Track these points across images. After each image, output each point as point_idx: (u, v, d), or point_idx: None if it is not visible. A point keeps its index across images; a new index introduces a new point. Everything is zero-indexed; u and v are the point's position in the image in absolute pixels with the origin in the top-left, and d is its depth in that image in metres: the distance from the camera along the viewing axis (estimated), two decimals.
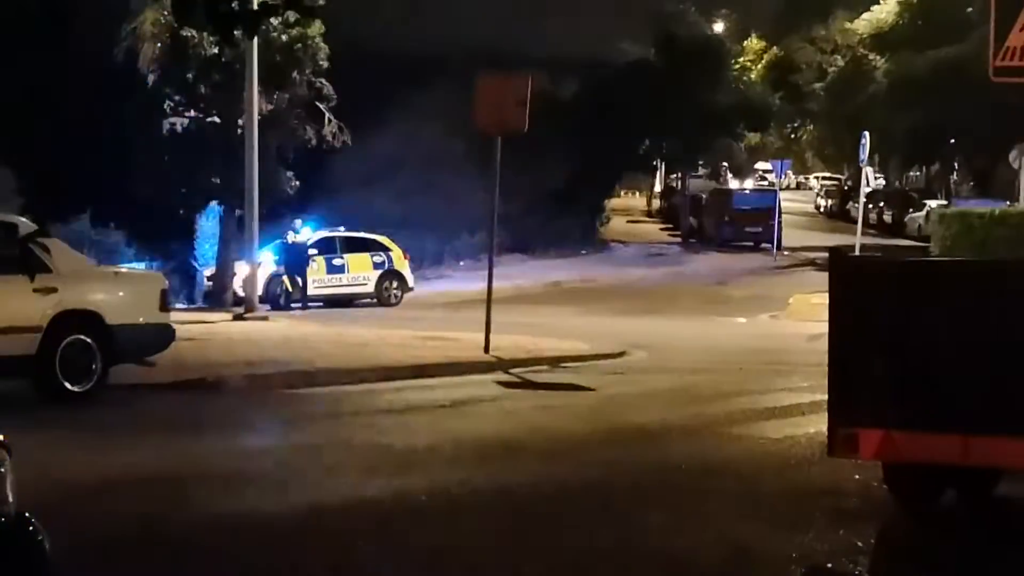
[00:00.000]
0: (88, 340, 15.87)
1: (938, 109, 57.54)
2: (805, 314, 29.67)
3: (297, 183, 36.32)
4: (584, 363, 21.28)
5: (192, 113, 34.39)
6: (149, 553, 8.80)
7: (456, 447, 12.88)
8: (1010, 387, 9.14)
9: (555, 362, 21.17)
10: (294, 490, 10.74)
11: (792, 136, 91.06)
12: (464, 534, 9.44)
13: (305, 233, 35.19)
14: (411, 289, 36.77)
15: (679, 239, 61.55)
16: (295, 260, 34.03)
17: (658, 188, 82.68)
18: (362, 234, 36.76)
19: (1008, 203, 40.27)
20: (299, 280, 33.90)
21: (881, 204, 64.83)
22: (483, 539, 9.33)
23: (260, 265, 31.14)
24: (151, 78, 33.96)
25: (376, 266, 36.08)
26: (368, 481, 11.20)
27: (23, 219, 16.55)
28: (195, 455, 12.29)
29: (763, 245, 54.31)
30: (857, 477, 10.97)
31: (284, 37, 33.83)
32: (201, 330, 23.33)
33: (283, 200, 35.83)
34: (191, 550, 8.90)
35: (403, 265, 36.63)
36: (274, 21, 32.20)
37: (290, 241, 34.20)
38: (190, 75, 33.68)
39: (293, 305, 33.50)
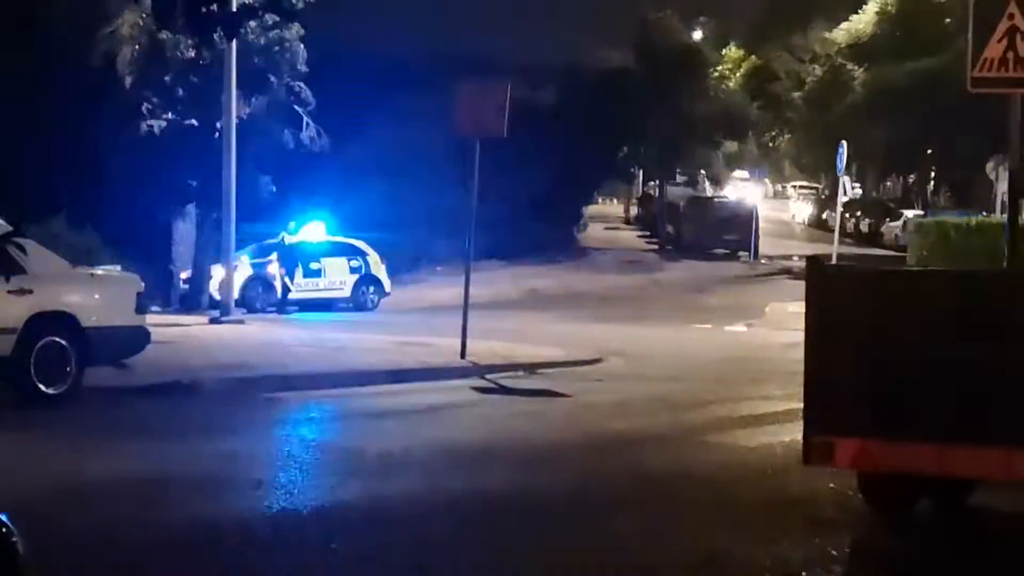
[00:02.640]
0: (63, 342, 15.81)
1: (916, 119, 57.70)
2: (782, 322, 29.70)
3: (274, 187, 36.25)
4: (561, 369, 21.26)
5: (169, 116, 34.23)
6: (123, 555, 8.76)
7: (431, 453, 12.86)
8: (985, 397, 9.16)
9: (531, 368, 21.15)
10: (268, 494, 10.72)
11: (770, 145, 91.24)
12: (438, 540, 9.42)
13: (310, 234, 35.31)
14: (388, 294, 36.72)
15: (656, 246, 61.58)
16: (290, 260, 34.19)
17: (636, 195, 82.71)
18: (339, 238, 36.72)
19: (984, 214, 40.51)
20: (289, 280, 34.01)
21: (858, 213, 65.00)
22: (457, 545, 9.31)
23: (236, 268, 31.11)
24: (128, 80, 33.82)
25: (353, 270, 36.04)
26: (343, 485, 11.18)
27: None
28: (170, 458, 12.25)
29: (740, 253, 54.42)
30: (832, 486, 10.98)
31: (263, 40, 33.73)
32: (177, 333, 23.26)
33: (260, 204, 35.76)
34: (165, 552, 8.87)
35: (380, 270, 36.59)
36: (253, 24, 32.13)
37: (287, 242, 34.33)
38: (168, 78, 33.57)
39: (269, 309, 33.46)
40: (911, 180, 76.39)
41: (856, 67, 68.38)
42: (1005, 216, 18.10)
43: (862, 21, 67.75)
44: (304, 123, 36.28)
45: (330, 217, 36.81)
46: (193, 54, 32.80)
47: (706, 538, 9.56)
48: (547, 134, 53.17)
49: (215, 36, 29.96)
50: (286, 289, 34.07)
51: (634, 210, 79.81)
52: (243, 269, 33.30)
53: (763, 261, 52.91)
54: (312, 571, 8.55)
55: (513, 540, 9.47)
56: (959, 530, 10.13)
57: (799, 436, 9.82)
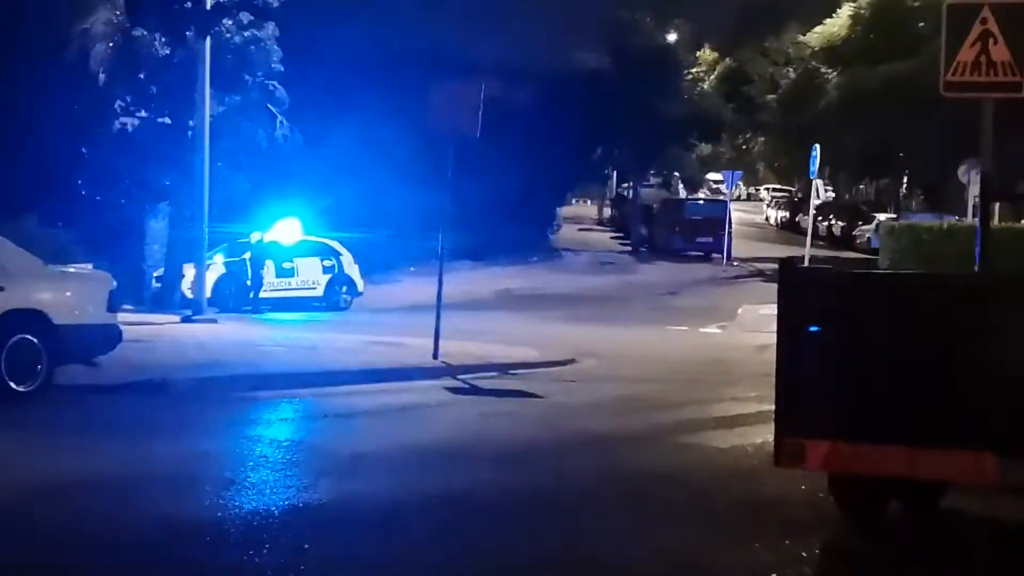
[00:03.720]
0: (34, 340, 15.76)
1: (889, 123, 57.86)
2: (754, 324, 29.77)
3: (248, 186, 36.17)
4: (533, 370, 21.26)
5: (143, 113, 34.13)
6: (93, 554, 8.74)
7: (403, 453, 12.85)
8: (956, 400, 9.18)
9: (504, 369, 21.15)
10: (240, 493, 10.69)
11: (744, 147, 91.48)
12: (410, 540, 9.41)
13: (283, 234, 35.34)
14: (361, 294, 36.70)
15: (630, 248, 61.70)
16: (263, 259, 34.19)
17: (610, 197, 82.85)
18: (312, 238, 36.68)
19: (957, 217, 40.63)
20: (261, 280, 33.99)
21: (831, 216, 65.24)
22: (429, 545, 9.30)
23: (209, 267, 31.06)
24: (102, 77, 33.74)
25: (326, 270, 36.02)
26: (314, 485, 11.17)
27: None
28: (141, 457, 12.21)
29: (713, 255, 54.54)
30: (803, 488, 11.01)
31: (237, 38, 33.65)
32: (148, 331, 23.20)
33: (233, 202, 35.70)
34: (135, 552, 8.84)
35: (353, 269, 36.57)
36: (227, 22, 32.09)
37: (261, 241, 34.31)
38: (142, 75, 33.47)
39: (242, 308, 33.40)
40: (884, 183, 76.63)
41: (830, 70, 68.54)
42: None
43: (836, 24, 67.90)
44: (278, 122, 36.21)
45: (303, 216, 36.78)
46: (167, 52, 32.72)
47: (677, 538, 9.58)
48: (521, 135, 53.19)
49: (188, 34, 29.93)
50: (258, 288, 34.03)
51: (608, 211, 79.94)
52: (216, 268, 33.24)
53: (735, 263, 53.02)
54: (283, 571, 8.53)
55: (485, 540, 9.47)
56: (930, 533, 10.16)
57: (771, 437, 9.83)
